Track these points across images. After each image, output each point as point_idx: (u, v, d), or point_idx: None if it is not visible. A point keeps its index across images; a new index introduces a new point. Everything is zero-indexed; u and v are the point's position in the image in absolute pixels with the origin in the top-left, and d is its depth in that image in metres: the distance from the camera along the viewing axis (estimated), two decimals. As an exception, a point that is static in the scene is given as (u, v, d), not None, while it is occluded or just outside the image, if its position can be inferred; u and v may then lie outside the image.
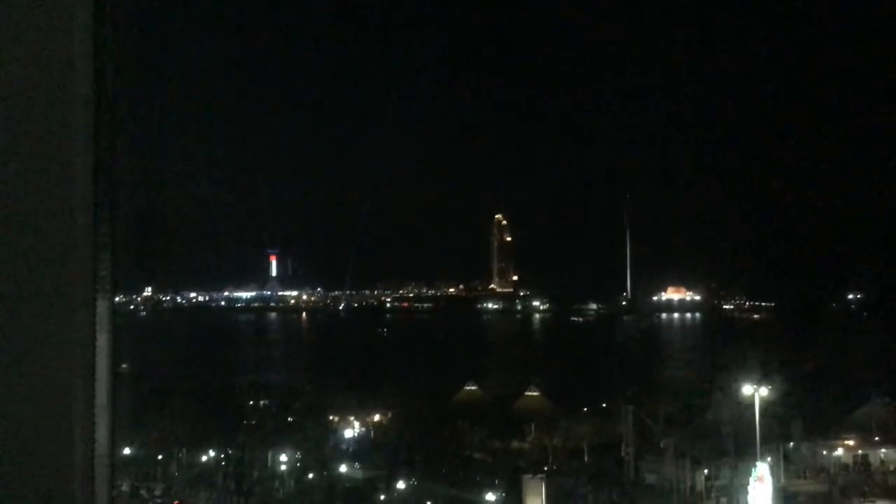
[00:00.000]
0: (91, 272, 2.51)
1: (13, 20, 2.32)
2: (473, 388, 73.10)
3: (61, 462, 2.43)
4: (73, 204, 2.44)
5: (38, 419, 2.42)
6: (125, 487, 50.53)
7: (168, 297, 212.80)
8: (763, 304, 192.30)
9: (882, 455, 57.63)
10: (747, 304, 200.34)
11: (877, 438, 58.68)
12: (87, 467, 2.47)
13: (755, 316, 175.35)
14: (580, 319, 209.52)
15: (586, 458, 57.68)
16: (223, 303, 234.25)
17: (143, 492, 52.99)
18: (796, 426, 57.57)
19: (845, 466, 56.32)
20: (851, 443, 58.28)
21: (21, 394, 2.41)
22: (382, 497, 51.08)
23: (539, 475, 50.22)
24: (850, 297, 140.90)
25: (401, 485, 51.50)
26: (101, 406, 2.55)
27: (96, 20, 2.46)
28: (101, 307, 2.55)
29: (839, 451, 57.72)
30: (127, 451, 52.30)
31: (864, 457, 57.36)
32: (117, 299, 2.81)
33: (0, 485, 2.37)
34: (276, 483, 55.39)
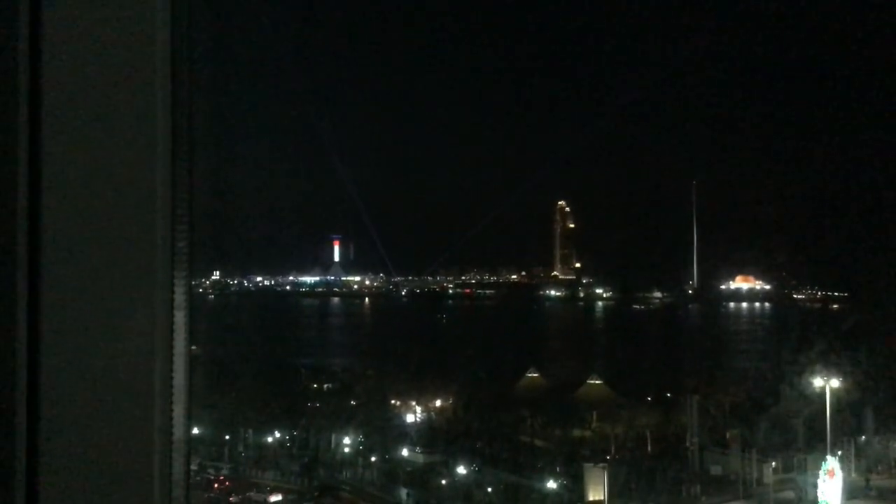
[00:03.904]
0: (170, 249, 2.50)
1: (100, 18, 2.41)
2: (535, 375, 72.75)
3: (141, 441, 2.42)
4: (154, 182, 2.47)
5: (119, 398, 2.42)
6: (193, 466, 51.73)
7: (235, 281, 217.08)
8: (836, 294, 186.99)
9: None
10: (819, 294, 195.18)
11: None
12: (165, 447, 2.46)
13: (833, 306, 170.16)
14: (642, 307, 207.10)
15: (649, 448, 57.05)
16: (288, 287, 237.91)
17: (210, 471, 54.25)
18: (868, 419, 56.03)
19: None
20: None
21: (102, 372, 2.41)
22: (443, 482, 51.33)
23: (601, 464, 49.87)
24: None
25: (461, 470, 51.68)
26: (178, 386, 2.53)
27: (175, 9, 2.51)
28: (179, 285, 2.53)
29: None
30: (195, 430, 53.55)
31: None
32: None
33: (81, 463, 2.37)
34: (340, 465, 56.16)
